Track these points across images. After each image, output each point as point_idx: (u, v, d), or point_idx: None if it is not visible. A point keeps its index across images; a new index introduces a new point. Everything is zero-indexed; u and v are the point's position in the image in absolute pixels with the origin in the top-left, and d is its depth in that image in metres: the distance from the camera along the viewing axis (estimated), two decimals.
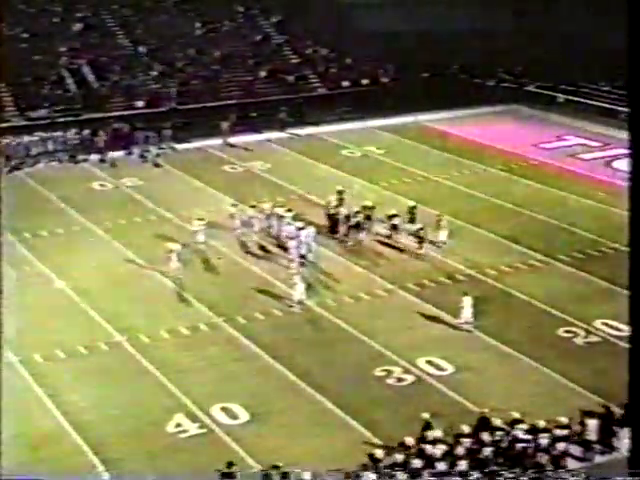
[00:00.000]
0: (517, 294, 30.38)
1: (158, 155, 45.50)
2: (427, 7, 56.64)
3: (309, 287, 30.34)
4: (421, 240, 33.45)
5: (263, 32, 57.40)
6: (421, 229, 33.56)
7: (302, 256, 32.40)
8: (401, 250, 33.73)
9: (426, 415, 21.95)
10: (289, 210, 35.14)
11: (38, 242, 35.26)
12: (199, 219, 34.22)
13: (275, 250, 34.06)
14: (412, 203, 36.40)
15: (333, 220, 35.19)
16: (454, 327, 28.31)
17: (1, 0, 45.57)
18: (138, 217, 37.86)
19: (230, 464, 20.17)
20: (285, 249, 33.41)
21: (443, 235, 34.08)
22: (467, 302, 27.87)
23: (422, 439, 21.15)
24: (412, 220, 35.32)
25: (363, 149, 46.70)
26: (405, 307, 29.94)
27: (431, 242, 33.86)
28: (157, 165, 44.38)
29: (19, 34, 51.79)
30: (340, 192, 36.59)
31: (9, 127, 45.14)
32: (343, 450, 21.94)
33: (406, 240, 34.30)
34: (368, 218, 34.90)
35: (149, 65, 52.75)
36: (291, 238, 33.03)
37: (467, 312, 27.84)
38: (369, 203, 35.87)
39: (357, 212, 34.78)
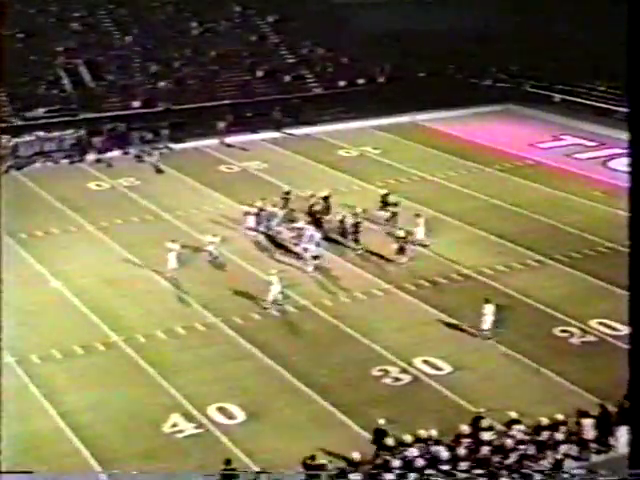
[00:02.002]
0: (513, 294, 30.39)
1: (161, 153, 45.02)
2: (423, 7, 56.70)
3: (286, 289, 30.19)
4: (403, 247, 32.48)
5: (260, 32, 57.40)
6: (404, 237, 32.65)
7: (315, 257, 32.62)
8: (382, 257, 33.11)
9: (382, 421, 21.68)
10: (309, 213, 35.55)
11: (34, 242, 35.23)
12: (213, 235, 33.42)
13: (275, 249, 34.29)
14: (384, 191, 37.03)
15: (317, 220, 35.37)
16: (451, 326, 28.35)
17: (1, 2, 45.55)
18: (134, 217, 37.86)
19: (228, 462, 20.16)
20: (287, 249, 33.72)
21: (420, 233, 34.06)
22: (489, 310, 27.17)
23: (380, 447, 20.98)
24: (384, 208, 36.01)
25: (359, 149, 46.72)
26: (402, 307, 29.96)
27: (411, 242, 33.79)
28: (159, 171, 43.51)
29: (15, 34, 51.69)
30: (287, 193, 36.92)
31: (5, 127, 45.04)
32: (340, 450, 21.89)
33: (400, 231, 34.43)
34: (327, 209, 35.64)
35: (145, 65, 52.73)
36: (304, 238, 33.11)
37: (489, 320, 27.13)
38: (325, 193, 36.40)
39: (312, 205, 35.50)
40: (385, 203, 36.27)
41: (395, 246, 32.58)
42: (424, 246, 33.76)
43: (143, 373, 26.05)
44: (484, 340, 27.18)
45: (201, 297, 30.45)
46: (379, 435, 21.33)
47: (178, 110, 49.45)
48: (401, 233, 32.84)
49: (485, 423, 21.71)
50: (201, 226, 36.16)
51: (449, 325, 28.43)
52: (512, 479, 20.53)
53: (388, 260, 32.57)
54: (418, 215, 34.68)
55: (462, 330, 27.87)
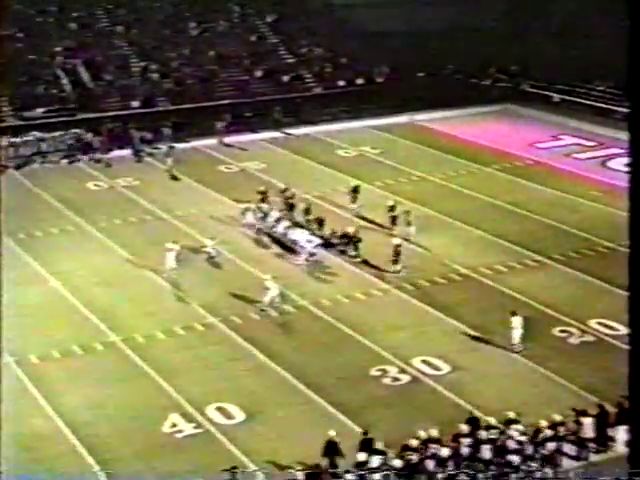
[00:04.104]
0: (512, 293, 30.39)
1: (175, 157, 43.95)
2: (422, 7, 56.72)
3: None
4: (397, 255, 31.96)
5: (258, 32, 57.43)
6: (399, 245, 32.20)
7: (312, 254, 32.77)
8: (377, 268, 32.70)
9: (332, 433, 21.32)
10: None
11: (33, 242, 35.21)
12: (211, 238, 33.41)
13: (275, 248, 34.35)
14: (355, 183, 37.84)
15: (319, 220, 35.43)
16: (449, 326, 28.36)
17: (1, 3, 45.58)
18: (133, 217, 37.86)
19: (234, 468, 20.11)
20: (288, 248, 33.68)
21: (412, 230, 34.13)
22: (517, 322, 26.56)
23: (332, 463, 20.78)
24: (354, 200, 36.99)
25: (358, 149, 46.72)
26: (400, 307, 29.95)
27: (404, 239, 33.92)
28: (175, 178, 42.52)
29: (14, 33, 51.71)
30: (263, 192, 36.72)
31: (4, 127, 45.02)
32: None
33: (402, 233, 34.39)
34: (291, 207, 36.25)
35: (144, 65, 52.74)
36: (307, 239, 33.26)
37: (517, 333, 26.60)
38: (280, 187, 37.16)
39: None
40: (355, 196, 37.19)
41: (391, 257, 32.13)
42: (409, 242, 33.87)
43: (142, 373, 26.04)
44: (513, 353, 26.58)
45: (200, 297, 30.44)
46: (331, 447, 21.00)
47: (177, 110, 49.45)
48: (397, 241, 32.54)
49: (484, 423, 21.71)
50: (200, 226, 36.16)
51: (447, 325, 28.43)
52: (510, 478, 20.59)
53: (383, 270, 32.23)
54: (407, 212, 34.76)
55: (487, 342, 27.41)
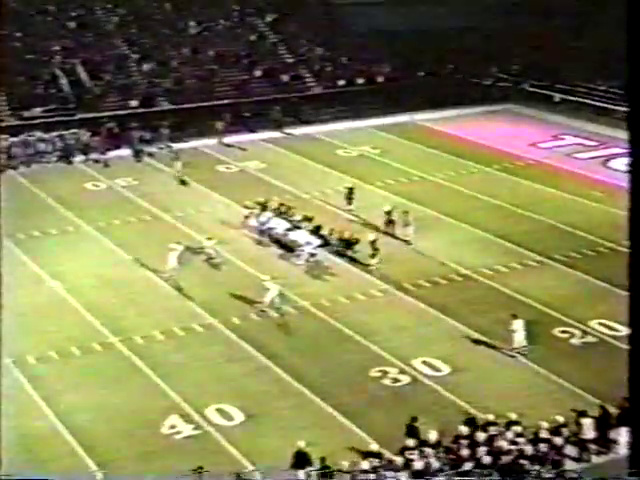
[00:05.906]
0: (513, 294, 30.29)
1: (173, 154, 43.84)
2: (422, 6, 56.66)
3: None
4: (375, 251, 32.08)
5: (258, 31, 57.35)
6: (375, 240, 32.29)
7: (312, 254, 32.68)
8: (358, 261, 32.74)
9: (301, 444, 20.91)
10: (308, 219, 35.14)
11: (31, 242, 35.12)
12: (209, 238, 33.26)
13: (275, 248, 34.21)
14: (349, 184, 37.78)
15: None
16: (449, 327, 28.25)
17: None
18: (132, 217, 37.76)
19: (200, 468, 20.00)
20: (289, 249, 33.54)
21: (410, 231, 34.07)
22: (518, 325, 26.32)
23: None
24: (349, 202, 37.00)
25: (358, 149, 46.63)
26: (401, 307, 29.86)
27: (399, 239, 34.09)
28: (183, 182, 41.69)
29: (13, 33, 51.62)
30: (264, 205, 35.96)
31: (2, 127, 44.93)
32: (338, 451, 21.77)
33: (400, 234, 34.42)
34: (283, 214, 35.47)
35: (143, 64, 52.65)
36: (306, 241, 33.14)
37: (520, 336, 26.37)
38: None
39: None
40: (350, 197, 37.10)
41: (369, 251, 32.25)
42: (408, 243, 33.88)
43: (141, 374, 25.95)
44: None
45: (199, 297, 30.34)
46: (300, 458, 20.74)
47: (176, 110, 49.35)
48: (372, 237, 32.57)
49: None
50: (199, 226, 36.06)
51: (447, 325, 28.34)
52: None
53: (363, 264, 32.30)
54: (406, 212, 34.65)
55: (493, 347, 27.14)
